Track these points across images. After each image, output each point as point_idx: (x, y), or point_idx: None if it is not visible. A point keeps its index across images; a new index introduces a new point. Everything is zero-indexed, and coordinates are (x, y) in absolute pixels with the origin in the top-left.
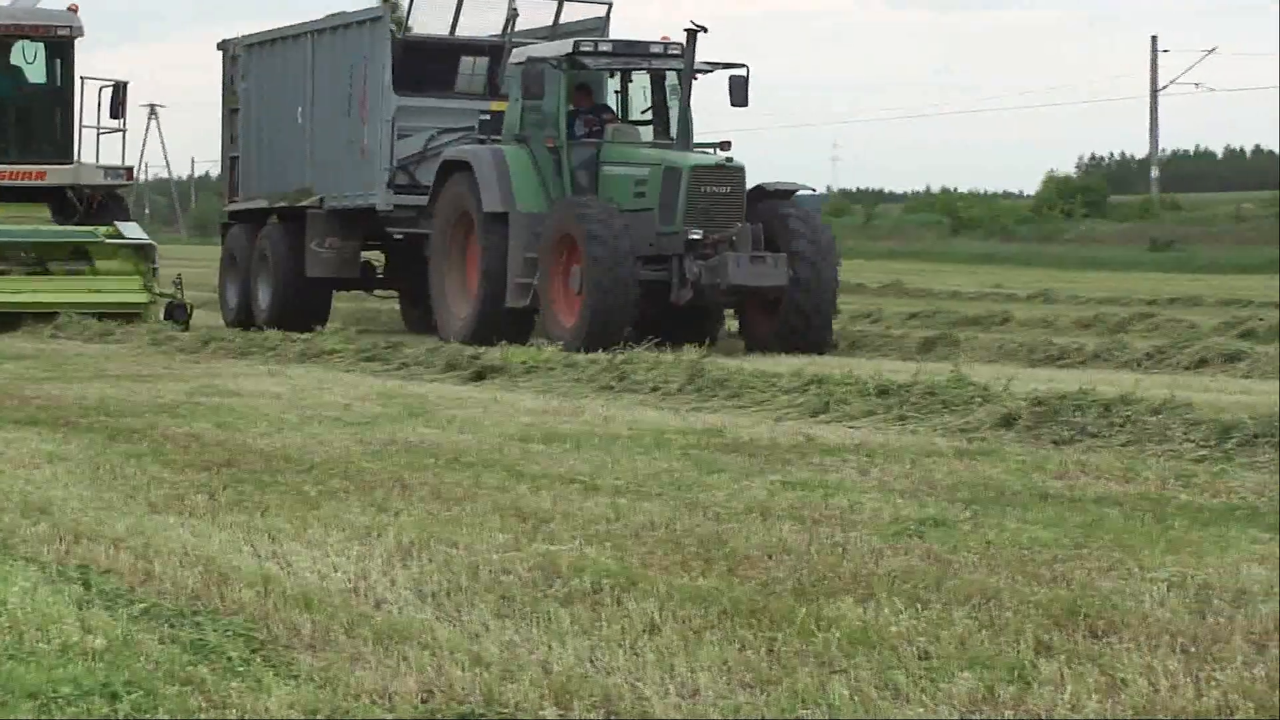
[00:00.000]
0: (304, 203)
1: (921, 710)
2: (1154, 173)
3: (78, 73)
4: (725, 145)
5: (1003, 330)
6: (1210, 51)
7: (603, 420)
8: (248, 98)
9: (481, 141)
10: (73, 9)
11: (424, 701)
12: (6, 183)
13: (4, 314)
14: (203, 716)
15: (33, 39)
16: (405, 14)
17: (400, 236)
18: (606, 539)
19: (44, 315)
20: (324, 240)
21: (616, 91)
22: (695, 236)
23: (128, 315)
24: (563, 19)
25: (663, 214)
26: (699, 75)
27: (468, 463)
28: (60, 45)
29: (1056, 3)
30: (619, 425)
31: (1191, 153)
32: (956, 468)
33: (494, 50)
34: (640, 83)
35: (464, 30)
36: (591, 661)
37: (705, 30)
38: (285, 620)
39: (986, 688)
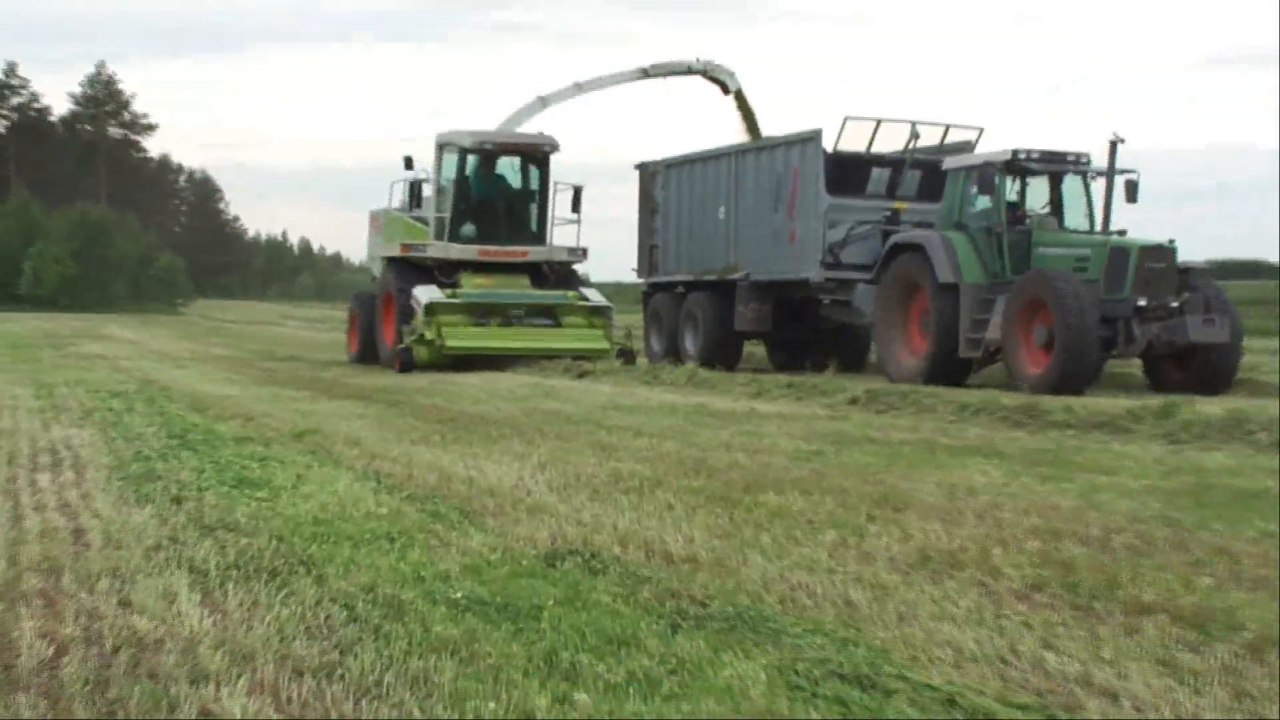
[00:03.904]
0: (732, 276)
1: (809, 549)
2: None
3: (551, 179)
4: (1121, 233)
5: None
6: None
7: (645, 399)
8: (667, 202)
9: (878, 231)
10: (541, 134)
11: (551, 544)
12: (502, 259)
13: (496, 355)
14: (438, 548)
15: (525, 155)
16: (837, 135)
17: (827, 301)
18: (645, 460)
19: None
20: (748, 304)
21: (1018, 191)
22: (1143, 304)
23: (589, 357)
24: (947, 139)
25: (1108, 285)
26: (1101, 178)
27: (574, 420)
28: (542, 159)
29: None
30: (654, 402)
31: None
32: (828, 425)
33: (893, 163)
34: (1035, 183)
35: (875, 147)
36: (638, 524)
37: (1124, 141)
38: (479, 501)
39: (841, 538)
